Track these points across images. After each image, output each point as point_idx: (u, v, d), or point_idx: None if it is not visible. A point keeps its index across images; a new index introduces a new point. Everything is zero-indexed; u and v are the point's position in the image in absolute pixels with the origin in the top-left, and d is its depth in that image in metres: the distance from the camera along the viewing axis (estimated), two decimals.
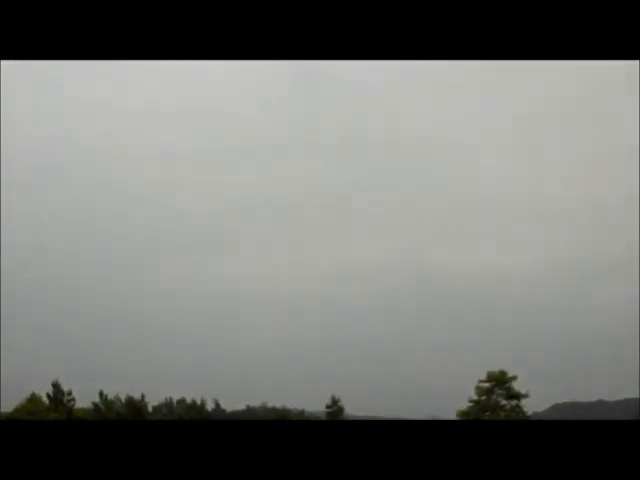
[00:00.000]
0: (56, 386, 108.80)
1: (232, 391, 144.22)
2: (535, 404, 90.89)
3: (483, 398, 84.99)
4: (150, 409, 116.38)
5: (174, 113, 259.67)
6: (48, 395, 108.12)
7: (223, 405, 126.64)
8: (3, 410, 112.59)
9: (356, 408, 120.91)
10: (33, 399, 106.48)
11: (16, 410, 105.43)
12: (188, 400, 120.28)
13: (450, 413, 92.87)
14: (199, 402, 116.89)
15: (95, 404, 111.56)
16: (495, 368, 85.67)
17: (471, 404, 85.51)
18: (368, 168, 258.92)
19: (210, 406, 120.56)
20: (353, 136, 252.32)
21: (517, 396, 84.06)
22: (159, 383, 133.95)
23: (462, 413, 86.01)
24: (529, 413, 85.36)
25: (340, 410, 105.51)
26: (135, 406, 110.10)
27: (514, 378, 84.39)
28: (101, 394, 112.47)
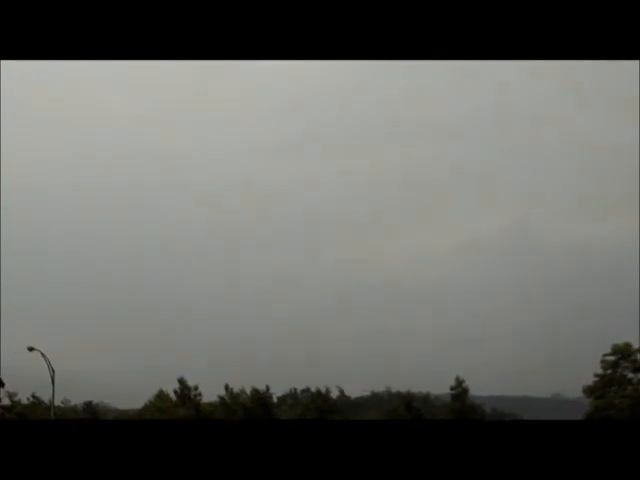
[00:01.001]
0: (182, 382, 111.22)
1: (356, 378, 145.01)
2: None
3: (608, 372, 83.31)
4: (275, 400, 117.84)
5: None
6: (175, 391, 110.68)
7: (347, 392, 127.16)
8: (132, 407, 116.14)
9: (480, 388, 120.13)
10: (161, 396, 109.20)
11: (145, 407, 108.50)
12: (313, 389, 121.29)
13: (576, 390, 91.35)
14: (323, 391, 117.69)
15: (221, 398, 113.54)
16: (620, 340, 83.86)
17: (596, 379, 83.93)
18: (479, 144, 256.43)
19: (334, 394, 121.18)
20: (464, 114, 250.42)
21: None
22: (281, 373, 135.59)
23: (588, 389, 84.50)
24: None
25: (465, 391, 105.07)
26: (261, 398, 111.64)
27: None
28: (227, 387, 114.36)
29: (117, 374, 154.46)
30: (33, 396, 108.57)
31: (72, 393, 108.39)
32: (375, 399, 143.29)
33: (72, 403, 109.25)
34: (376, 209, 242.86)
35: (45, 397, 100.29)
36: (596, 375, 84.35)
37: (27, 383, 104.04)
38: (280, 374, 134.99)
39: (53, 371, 74.28)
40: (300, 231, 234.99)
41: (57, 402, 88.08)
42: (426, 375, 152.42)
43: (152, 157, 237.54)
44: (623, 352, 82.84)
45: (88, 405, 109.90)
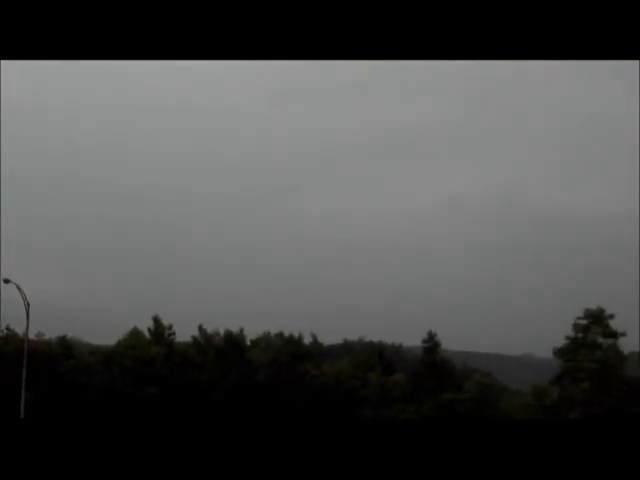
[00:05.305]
0: (157, 320, 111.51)
1: (329, 325, 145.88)
2: (633, 343, 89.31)
3: (580, 336, 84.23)
4: (248, 343, 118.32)
5: None
6: (149, 329, 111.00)
7: (320, 339, 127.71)
8: (105, 343, 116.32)
9: (452, 343, 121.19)
10: (135, 333, 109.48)
11: (119, 343, 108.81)
12: (286, 334, 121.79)
13: (547, 350, 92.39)
14: (297, 336, 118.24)
15: (195, 338, 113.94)
16: (593, 306, 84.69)
17: (567, 341, 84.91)
18: (470, 105, 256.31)
19: (307, 340, 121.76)
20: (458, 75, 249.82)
21: (614, 334, 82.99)
22: (257, 317, 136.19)
23: (559, 351, 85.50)
24: (625, 352, 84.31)
25: (436, 345, 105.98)
26: (234, 340, 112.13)
27: (612, 316, 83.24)
28: (200, 328, 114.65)
29: (92, 310, 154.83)
30: (7, 328, 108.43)
31: (46, 327, 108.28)
32: (347, 348, 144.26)
33: (46, 337, 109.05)
34: (360, 164, 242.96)
35: (20, 329, 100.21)
36: (567, 337, 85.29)
37: (2, 315, 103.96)
38: (257, 317, 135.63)
39: (28, 304, 74.30)
40: (284, 183, 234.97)
41: (31, 335, 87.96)
42: (399, 327, 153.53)
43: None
44: (595, 317, 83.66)
45: (62, 339, 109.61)
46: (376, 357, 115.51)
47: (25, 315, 75.05)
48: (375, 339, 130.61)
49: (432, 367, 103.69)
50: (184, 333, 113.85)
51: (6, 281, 73.95)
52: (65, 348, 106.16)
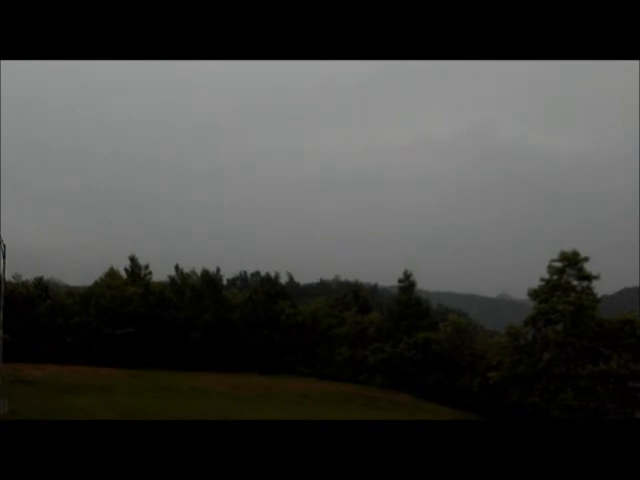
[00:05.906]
0: (134, 260, 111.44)
1: (306, 265, 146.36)
2: (606, 286, 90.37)
3: (554, 277, 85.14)
4: (225, 282, 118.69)
5: None
6: (126, 269, 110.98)
7: (297, 278, 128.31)
8: (83, 284, 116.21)
9: (428, 284, 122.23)
10: (112, 273, 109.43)
11: (96, 284, 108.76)
12: (262, 273, 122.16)
13: (522, 292, 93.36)
14: (273, 275, 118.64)
15: (171, 278, 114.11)
16: (568, 248, 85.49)
17: (542, 283, 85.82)
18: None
19: (284, 279, 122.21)
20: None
21: (588, 277, 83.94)
22: (234, 257, 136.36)
23: (533, 292, 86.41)
24: (599, 295, 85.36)
25: (412, 285, 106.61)
26: (210, 279, 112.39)
27: (586, 259, 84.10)
28: (177, 268, 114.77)
29: (69, 251, 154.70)
30: None
31: (24, 268, 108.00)
32: (323, 287, 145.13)
33: (23, 278, 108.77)
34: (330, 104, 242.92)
35: None
36: (542, 279, 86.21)
37: None
38: (234, 257, 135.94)
39: (4, 246, 73.93)
40: (252, 124, 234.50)
41: (8, 277, 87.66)
42: (374, 267, 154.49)
43: None
44: (570, 259, 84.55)
45: (39, 281, 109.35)
46: (352, 296, 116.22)
47: (1, 257, 74.68)
48: (351, 279, 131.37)
49: (408, 306, 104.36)
50: (161, 273, 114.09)
51: None
52: (42, 290, 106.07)
